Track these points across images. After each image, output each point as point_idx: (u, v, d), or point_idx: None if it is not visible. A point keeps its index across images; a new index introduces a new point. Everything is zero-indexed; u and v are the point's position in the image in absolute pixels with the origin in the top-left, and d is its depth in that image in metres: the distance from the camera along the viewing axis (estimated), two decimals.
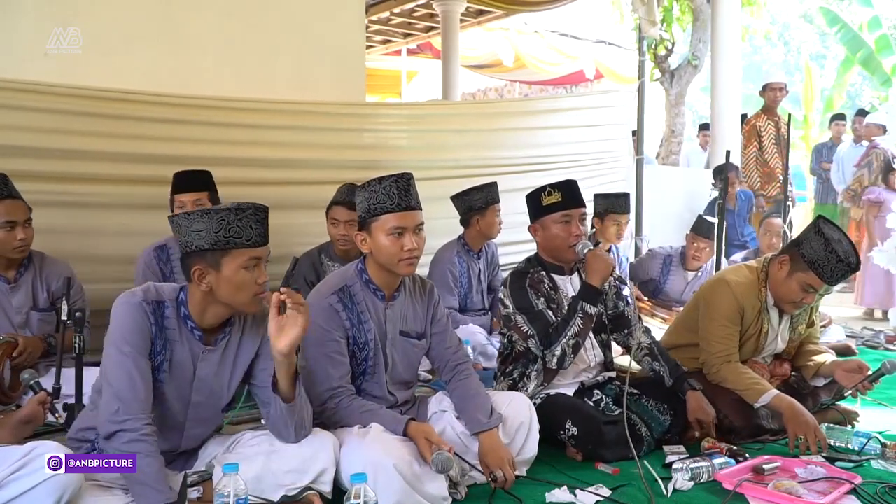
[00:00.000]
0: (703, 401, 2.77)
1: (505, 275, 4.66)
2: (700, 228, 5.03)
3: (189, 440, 2.18)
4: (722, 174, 6.71)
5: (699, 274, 5.13)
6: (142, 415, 1.90)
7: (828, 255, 2.76)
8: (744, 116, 7.03)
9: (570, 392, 2.78)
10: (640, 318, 3.06)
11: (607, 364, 2.96)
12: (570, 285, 2.85)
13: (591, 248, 2.74)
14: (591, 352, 2.88)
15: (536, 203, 2.82)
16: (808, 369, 3.11)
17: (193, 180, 3.37)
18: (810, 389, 3.13)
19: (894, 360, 2.91)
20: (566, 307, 2.74)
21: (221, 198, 3.41)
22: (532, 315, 2.73)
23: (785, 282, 2.88)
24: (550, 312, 2.73)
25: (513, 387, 2.80)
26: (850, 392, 2.94)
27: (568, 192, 2.78)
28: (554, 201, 2.76)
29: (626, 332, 2.94)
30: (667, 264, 5.16)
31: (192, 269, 1.96)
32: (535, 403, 2.68)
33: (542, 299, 2.76)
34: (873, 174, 6.74)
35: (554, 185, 2.80)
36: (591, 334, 2.82)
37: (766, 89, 6.74)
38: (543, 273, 2.83)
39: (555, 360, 2.67)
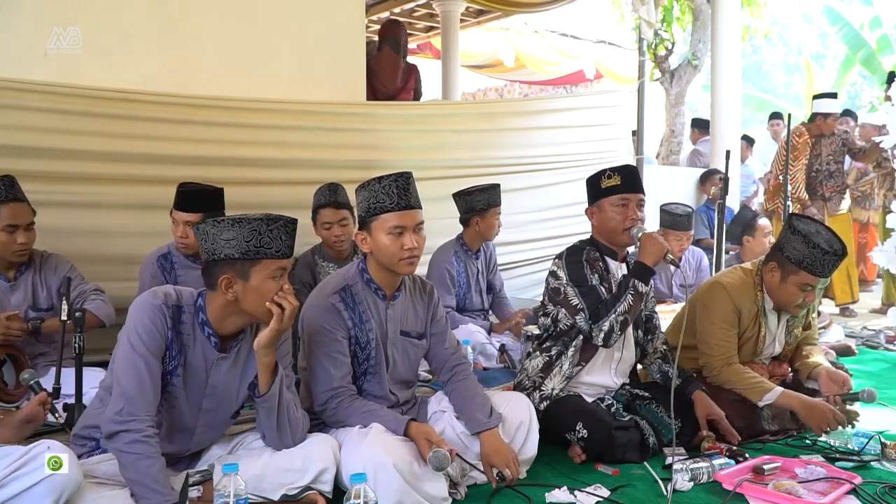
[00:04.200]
0: (710, 400, 2.77)
1: (503, 274, 4.74)
2: (670, 224, 4.73)
3: (197, 444, 2.19)
4: (706, 181, 6.73)
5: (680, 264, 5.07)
6: (146, 416, 1.90)
7: (812, 251, 2.76)
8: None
9: (589, 399, 2.77)
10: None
11: (639, 360, 2.97)
12: (620, 272, 2.84)
13: (646, 231, 2.75)
14: (627, 343, 2.86)
15: (595, 186, 2.83)
16: (803, 371, 3.11)
17: (193, 200, 3.28)
18: (807, 390, 3.13)
19: (873, 391, 2.86)
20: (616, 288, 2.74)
21: None
22: (585, 289, 2.72)
23: (781, 287, 2.87)
24: (603, 289, 2.73)
25: (548, 363, 2.79)
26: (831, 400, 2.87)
27: (628, 177, 2.79)
28: (613, 184, 2.77)
29: (649, 337, 2.97)
30: None
31: (220, 278, 1.96)
32: (550, 400, 2.69)
33: (597, 276, 2.76)
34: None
35: (614, 169, 2.81)
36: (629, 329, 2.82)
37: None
38: (597, 254, 2.83)
39: (602, 335, 2.65)
